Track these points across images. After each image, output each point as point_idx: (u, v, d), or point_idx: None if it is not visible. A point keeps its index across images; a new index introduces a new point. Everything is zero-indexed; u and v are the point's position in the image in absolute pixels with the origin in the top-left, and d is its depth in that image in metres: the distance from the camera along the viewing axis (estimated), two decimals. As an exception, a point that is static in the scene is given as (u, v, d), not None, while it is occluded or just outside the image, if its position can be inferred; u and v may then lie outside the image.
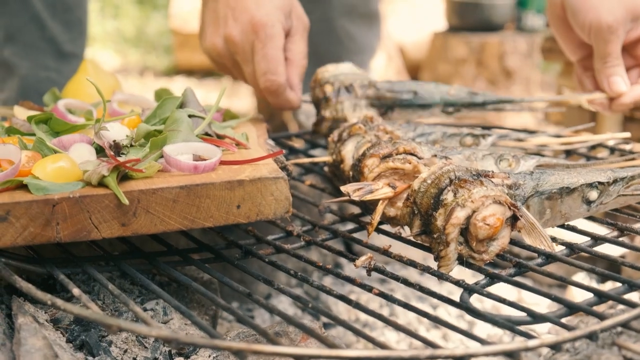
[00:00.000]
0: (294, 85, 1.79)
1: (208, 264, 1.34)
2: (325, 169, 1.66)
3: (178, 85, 5.59)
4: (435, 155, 1.43)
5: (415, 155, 1.42)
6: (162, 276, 1.46)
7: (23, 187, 1.24)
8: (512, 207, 1.23)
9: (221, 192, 1.21)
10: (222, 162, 1.30)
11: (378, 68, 4.36)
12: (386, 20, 4.92)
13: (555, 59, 2.86)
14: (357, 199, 1.35)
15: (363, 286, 1.21)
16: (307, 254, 1.52)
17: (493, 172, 1.28)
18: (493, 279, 1.20)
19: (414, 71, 5.24)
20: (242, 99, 5.17)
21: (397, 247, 1.35)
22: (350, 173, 1.48)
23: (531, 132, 1.79)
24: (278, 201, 1.23)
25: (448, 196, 1.23)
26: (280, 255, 1.41)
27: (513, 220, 1.25)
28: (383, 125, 1.57)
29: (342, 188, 1.35)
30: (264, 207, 1.23)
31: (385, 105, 1.77)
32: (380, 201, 1.36)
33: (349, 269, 2.03)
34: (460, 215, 1.20)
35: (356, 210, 1.54)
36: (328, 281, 2.00)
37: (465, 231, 1.22)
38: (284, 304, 1.89)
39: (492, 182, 1.26)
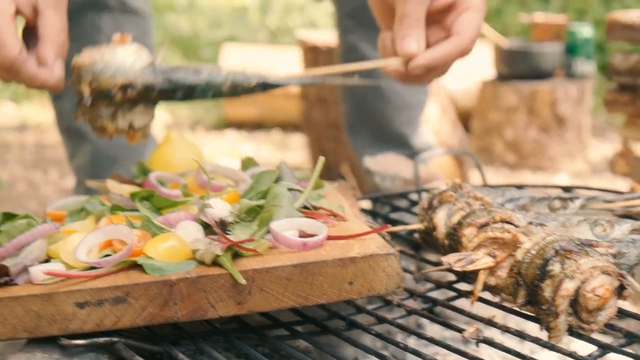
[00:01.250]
0: (47, 62, 1.62)
1: (314, 336, 1.36)
2: (416, 235, 1.68)
3: (229, 139, 5.66)
4: (531, 223, 1.45)
5: (512, 224, 1.43)
6: (264, 347, 1.48)
7: (136, 266, 1.27)
8: (619, 277, 1.24)
9: (333, 270, 1.23)
10: (328, 237, 1.32)
11: (432, 119, 4.39)
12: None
13: (618, 111, 2.87)
14: (459, 269, 1.37)
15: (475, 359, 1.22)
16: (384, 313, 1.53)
17: (597, 241, 1.30)
18: (605, 349, 1.21)
19: (463, 119, 5.26)
20: (294, 151, 5.22)
21: (501, 318, 1.36)
22: (446, 241, 1.50)
23: (618, 193, 1.80)
24: (389, 277, 1.25)
25: (555, 267, 1.24)
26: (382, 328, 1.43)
27: (620, 289, 1.26)
28: (473, 192, 1.59)
29: (444, 259, 1.37)
30: (376, 282, 1.25)
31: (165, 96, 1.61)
32: (482, 271, 1.38)
33: (430, 329, 2.03)
34: (569, 286, 1.22)
35: (451, 276, 1.56)
36: (412, 342, 2.01)
37: (573, 302, 1.23)
38: (370, 367, 1.90)
39: (597, 251, 1.27)
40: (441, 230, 1.55)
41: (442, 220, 1.57)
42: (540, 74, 4.85)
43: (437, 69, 1.71)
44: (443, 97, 4.58)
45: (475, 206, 1.55)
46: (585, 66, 4.95)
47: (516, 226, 1.43)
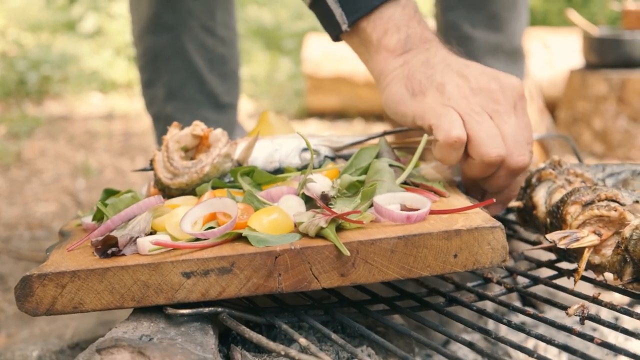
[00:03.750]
0: None
1: (415, 312, 1.35)
2: (513, 214, 1.66)
3: (311, 128, 5.68)
4: (637, 202, 1.42)
5: (617, 202, 1.41)
6: (365, 321, 1.48)
7: (239, 239, 1.29)
8: None
9: (438, 242, 1.22)
10: (431, 212, 1.31)
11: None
12: (528, 60, 4.89)
13: None
14: (563, 246, 1.34)
15: (583, 335, 1.20)
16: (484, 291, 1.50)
17: None
18: None
19: (550, 108, 5.18)
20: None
21: (606, 296, 1.34)
22: (548, 220, 1.48)
23: None
24: (495, 250, 1.24)
25: (665, 244, 1.22)
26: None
27: None
28: (572, 168, 1.56)
29: (548, 236, 1.35)
30: (481, 256, 1.24)
31: None
32: (586, 249, 1.35)
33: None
34: (681, 263, 1.19)
35: (550, 256, 1.54)
36: (503, 329, 1.99)
37: (684, 279, 1.21)
38: (463, 350, 1.88)
39: None
40: (541, 209, 1.53)
41: (542, 198, 1.54)
42: (631, 63, 4.73)
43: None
44: (530, 85, 4.52)
45: (576, 183, 1.52)
46: (679, 55, 4.81)
47: (622, 204, 1.41)
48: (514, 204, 1.61)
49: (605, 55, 4.76)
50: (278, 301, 1.37)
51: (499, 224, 1.24)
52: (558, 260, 1.50)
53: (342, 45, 1.71)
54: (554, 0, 7.88)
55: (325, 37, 6.00)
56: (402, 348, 1.48)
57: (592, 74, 4.76)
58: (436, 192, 1.45)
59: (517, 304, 1.99)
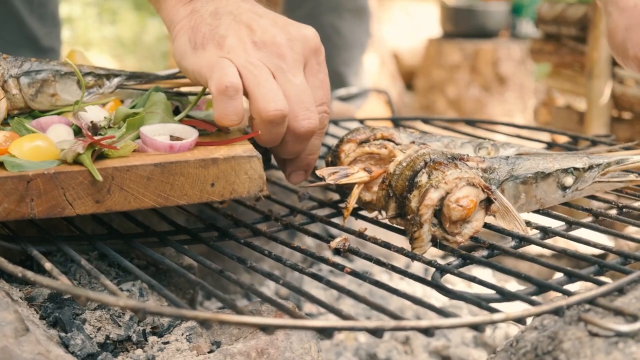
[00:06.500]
0: None
1: (185, 245, 1.34)
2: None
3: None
4: (413, 142, 1.44)
5: (393, 141, 1.43)
6: (139, 260, 1.46)
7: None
8: (485, 190, 1.24)
9: (195, 170, 1.22)
10: (199, 143, 1.30)
11: (372, 72, 4.37)
12: (381, 25, 4.94)
13: (544, 60, 2.87)
14: (332, 182, 1.35)
15: (335, 265, 1.21)
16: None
17: (468, 155, 1.29)
18: (465, 259, 1.20)
19: (408, 77, 5.25)
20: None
21: (374, 232, 1.35)
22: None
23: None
24: (252, 180, 1.23)
25: (422, 178, 1.24)
26: (259, 242, 1.42)
27: (487, 203, 1.25)
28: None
29: (318, 172, 1.36)
30: (238, 185, 1.23)
31: None
32: (356, 185, 1.36)
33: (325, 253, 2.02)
34: (433, 196, 1.21)
35: (335, 196, 1.55)
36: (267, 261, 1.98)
37: (439, 213, 1.23)
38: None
39: (467, 165, 1.26)
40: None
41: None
42: (485, 33, 4.84)
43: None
44: (383, 50, 4.57)
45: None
46: (530, 27, 4.95)
47: (397, 144, 1.43)
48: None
49: (460, 25, 4.85)
50: (44, 231, 1.34)
51: (256, 153, 1.24)
52: (341, 201, 1.51)
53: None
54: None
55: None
56: (180, 284, 1.48)
57: (447, 43, 4.85)
58: (219, 129, 1.43)
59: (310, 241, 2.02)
